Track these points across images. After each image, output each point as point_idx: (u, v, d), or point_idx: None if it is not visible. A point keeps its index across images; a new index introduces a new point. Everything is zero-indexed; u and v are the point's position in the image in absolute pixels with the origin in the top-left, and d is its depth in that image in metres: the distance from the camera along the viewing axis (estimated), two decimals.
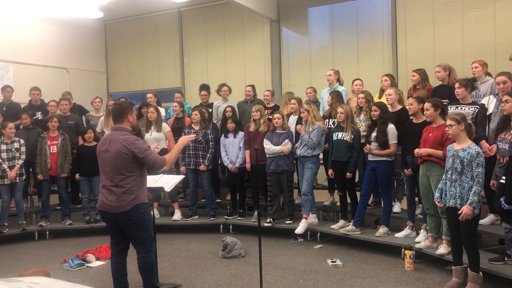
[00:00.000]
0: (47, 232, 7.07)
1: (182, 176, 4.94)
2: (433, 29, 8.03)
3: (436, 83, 6.35)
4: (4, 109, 7.68)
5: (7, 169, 6.71)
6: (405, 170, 5.47)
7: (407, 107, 5.61)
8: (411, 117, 5.54)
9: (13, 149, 6.81)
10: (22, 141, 6.94)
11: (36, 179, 7.28)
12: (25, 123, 7.31)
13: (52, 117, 7.23)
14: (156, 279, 4.39)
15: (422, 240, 5.33)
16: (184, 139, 4.41)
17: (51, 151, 7.10)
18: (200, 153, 7.05)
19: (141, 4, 9.99)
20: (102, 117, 7.68)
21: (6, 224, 6.85)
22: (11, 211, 7.06)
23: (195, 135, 4.50)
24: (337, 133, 6.14)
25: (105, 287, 4.76)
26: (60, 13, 9.69)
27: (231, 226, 7.06)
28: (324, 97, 7.12)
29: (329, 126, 6.57)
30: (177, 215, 7.25)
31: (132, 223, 3.95)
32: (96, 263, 5.68)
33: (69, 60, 10.36)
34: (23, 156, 6.89)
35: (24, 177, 7.00)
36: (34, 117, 7.75)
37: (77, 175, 7.16)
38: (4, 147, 6.77)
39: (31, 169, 7.36)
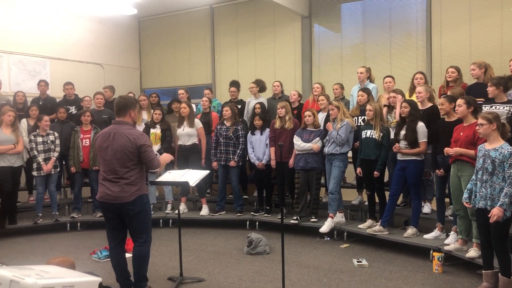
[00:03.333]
0: (79, 224, 7.27)
1: (207, 172, 4.96)
2: (470, 25, 7.76)
3: (470, 81, 6.14)
4: (40, 103, 7.93)
5: (42, 162, 6.94)
6: (437, 171, 5.32)
7: (438, 107, 5.45)
8: (442, 116, 5.37)
9: (48, 141, 7.03)
10: (56, 134, 7.15)
11: (69, 171, 7.47)
12: (61, 117, 7.52)
13: (85, 111, 7.42)
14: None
15: (452, 242, 5.17)
16: (168, 158, 4.51)
17: (84, 144, 7.28)
18: (230, 149, 7.09)
19: (174, 1, 10.11)
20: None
21: (40, 214, 7.09)
22: (45, 202, 7.29)
23: (172, 157, 4.65)
24: (365, 131, 6.04)
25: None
26: (96, 10, 9.91)
27: (257, 223, 7.05)
28: (354, 94, 7.01)
29: (359, 124, 6.46)
30: (205, 210, 7.31)
31: (135, 213, 4.02)
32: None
33: (104, 56, 10.59)
34: (58, 149, 7.10)
35: (58, 169, 7.22)
36: (68, 111, 7.96)
37: None
38: (40, 139, 6.99)
39: (64, 162, 7.57)
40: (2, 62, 8.67)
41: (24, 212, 7.56)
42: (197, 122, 7.34)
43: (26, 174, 7.55)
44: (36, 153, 6.94)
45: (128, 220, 4.07)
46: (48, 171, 6.96)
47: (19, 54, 8.93)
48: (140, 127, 7.26)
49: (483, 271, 4.34)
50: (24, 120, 7.37)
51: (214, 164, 7.25)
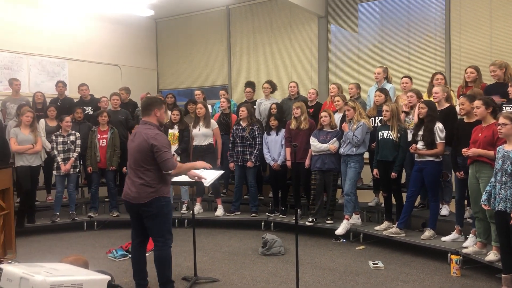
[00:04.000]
0: (95, 223, 7.34)
1: (221, 172, 4.95)
2: (490, 24, 7.61)
3: (490, 81, 6.01)
4: (58, 103, 8.04)
5: (61, 162, 7.03)
6: (457, 173, 5.21)
7: (458, 107, 5.34)
8: (460, 116, 5.27)
9: (68, 142, 7.12)
10: (78, 134, 7.23)
11: (86, 171, 7.56)
12: (78, 118, 7.60)
13: (102, 111, 7.49)
14: (171, 273, 4.33)
15: (471, 245, 5.06)
16: (201, 165, 4.46)
17: (101, 144, 7.35)
18: (247, 149, 7.08)
19: (190, 2, 10.14)
20: None
21: (58, 213, 7.18)
22: (63, 202, 7.38)
23: (210, 165, 4.53)
24: (382, 131, 5.96)
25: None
26: (113, 11, 10.01)
27: (272, 224, 7.03)
28: (371, 95, 6.94)
29: (375, 124, 6.39)
30: (220, 211, 7.31)
31: (151, 215, 4.01)
32: None
33: (121, 57, 10.69)
34: (78, 149, 7.18)
35: (78, 169, 7.31)
36: (85, 112, 8.05)
37: (124, 168, 7.39)
38: (60, 139, 7.09)
39: (81, 162, 7.67)
40: (22, 64, 8.82)
41: (42, 211, 7.68)
42: (213, 122, 7.37)
43: (44, 173, 7.66)
44: (56, 152, 7.04)
45: (146, 221, 4.08)
46: (66, 171, 7.05)
47: (38, 55, 9.07)
48: None
49: (502, 275, 4.26)
50: (42, 121, 7.49)
51: (231, 165, 7.24)
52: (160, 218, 4.05)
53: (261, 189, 7.95)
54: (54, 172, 7.15)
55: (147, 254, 4.32)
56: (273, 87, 7.92)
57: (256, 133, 7.07)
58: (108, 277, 2.14)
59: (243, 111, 7.11)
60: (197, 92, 8.33)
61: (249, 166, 7.06)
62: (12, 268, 2.14)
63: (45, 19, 9.16)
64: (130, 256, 5.69)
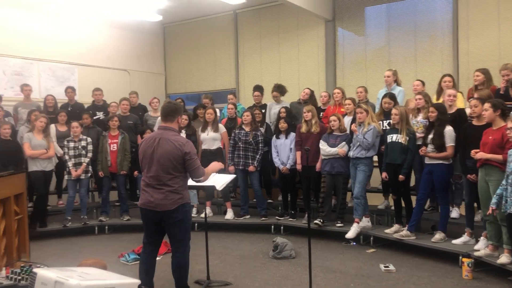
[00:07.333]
0: (106, 227, 7.40)
1: (233, 176, 5.00)
2: (498, 26, 7.62)
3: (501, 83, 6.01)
4: (69, 109, 8.12)
5: (71, 167, 7.10)
6: (468, 176, 5.21)
7: (470, 109, 5.34)
8: (469, 119, 5.28)
9: (79, 147, 7.18)
10: (89, 140, 7.29)
11: (96, 176, 7.62)
12: (85, 123, 7.66)
13: (113, 116, 7.56)
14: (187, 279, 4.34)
15: (482, 248, 5.07)
16: (218, 166, 4.40)
17: (112, 149, 7.42)
18: (249, 154, 7.11)
19: (198, 7, 10.21)
20: (159, 117, 7.91)
21: (69, 218, 7.23)
22: (74, 206, 7.44)
23: (222, 164, 4.49)
24: (391, 135, 5.98)
25: (158, 281, 4.88)
26: (122, 17, 10.12)
27: (282, 227, 7.05)
28: (381, 98, 6.94)
29: (384, 128, 6.41)
30: (230, 214, 7.35)
31: (176, 222, 3.98)
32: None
33: (130, 62, 10.79)
34: (90, 155, 7.24)
35: (89, 174, 7.37)
36: (96, 117, 8.12)
37: (135, 172, 7.46)
38: (72, 144, 7.16)
39: (90, 167, 7.73)
40: (32, 69, 8.92)
41: (54, 216, 7.75)
42: (221, 126, 7.43)
43: (56, 178, 7.73)
44: (67, 158, 7.12)
45: (168, 228, 4.05)
46: (76, 176, 7.12)
47: (48, 61, 9.17)
48: None
49: None
50: (52, 126, 7.54)
51: (231, 168, 7.21)
52: (184, 225, 4.05)
53: (271, 192, 7.97)
54: (66, 177, 7.23)
55: (159, 258, 4.33)
56: (281, 92, 7.94)
57: (259, 138, 7.11)
58: (138, 281, 2.19)
59: (248, 116, 7.14)
60: (205, 100, 8.37)
61: (251, 171, 7.09)
62: (46, 272, 2.20)
63: (55, 26, 9.27)
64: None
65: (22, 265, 2.64)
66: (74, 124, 7.20)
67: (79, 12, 9.60)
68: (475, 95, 5.56)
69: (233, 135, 7.28)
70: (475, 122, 5.19)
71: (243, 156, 7.13)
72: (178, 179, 3.95)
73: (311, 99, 7.56)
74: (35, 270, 2.41)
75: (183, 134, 7.38)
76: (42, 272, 2.19)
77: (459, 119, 5.60)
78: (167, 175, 3.91)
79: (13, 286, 2.39)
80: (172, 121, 4.05)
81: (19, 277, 2.50)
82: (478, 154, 4.75)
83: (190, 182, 4.95)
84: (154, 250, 4.24)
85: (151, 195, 3.96)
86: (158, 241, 4.22)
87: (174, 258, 4.15)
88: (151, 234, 4.16)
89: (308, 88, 7.77)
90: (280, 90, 7.95)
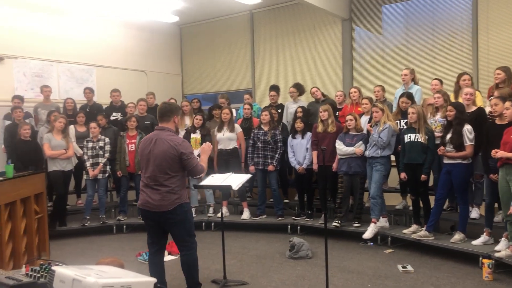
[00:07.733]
0: (124, 226, 7.48)
1: (249, 175, 5.00)
2: None
3: None
4: (87, 109, 8.23)
5: (89, 167, 7.20)
6: (491, 176, 5.11)
7: (491, 108, 5.25)
8: (490, 119, 5.19)
9: (97, 147, 7.28)
10: (107, 140, 7.38)
11: (114, 175, 7.70)
12: (101, 124, 7.72)
13: (130, 117, 7.64)
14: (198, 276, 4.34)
15: (503, 249, 4.97)
16: (207, 150, 4.37)
17: (130, 149, 7.49)
18: (268, 153, 7.11)
19: (214, 7, 10.24)
20: None
21: (88, 217, 7.33)
22: (93, 206, 7.54)
23: (210, 145, 4.45)
24: (409, 134, 5.90)
25: (175, 281, 4.92)
26: (139, 18, 10.20)
27: (298, 227, 7.03)
28: (398, 97, 6.88)
29: (401, 127, 6.34)
30: (246, 214, 7.36)
31: (175, 222, 3.99)
32: (168, 258, 5.87)
33: (147, 63, 10.87)
34: (107, 155, 7.34)
35: (107, 174, 7.46)
36: (113, 118, 8.20)
37: None
38: (90, 144, 7.28)
39: (109, 166, 7.81)
40: (51, 71, 9.05)
41: (73, 215, 7.86)
42: (237, 126, 7.45)
43: (74, 178, 7.85)
44: (85, 158, 7.25)
45: (168, 228, 4.08)
46: (93, 176, 7.22)
47: (67, 62, 9.29)
48: (181, 133, 7.41)
49: None
50: (72, 127, 7.66)
51: (251, 168, 7.25)
52: (184, 225, 4.05)
53: (287, 192, 7.96)
54: (85, 177, 7.34)
55: (176, 257, 4.34)
56: (300, 90, 7.93)
57: (278, 137, 7.11)
58: (154, 279, 2.20)
59: (266, 116, 7.15)
60: (221, 100, 8.40)
61: (270, 170, 7.09)
62: (64, 270, 2.23)
63: (74, 28, 9.38)
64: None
65: (41, 263, 2.67)
66: (92, 124, 7.31)
67: (96, 14, 9.71)
68: (496, 94, 5.46)
69: (252, 135, 7.29)
70: (498, 121, 5.09)
71: (262, 156, 7.14)
72: (175, 179, 3.95)
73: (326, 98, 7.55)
74: (53, 268, 2.44)
75: (197, 134, 7.43)
76: (61, 270, 2.22)
77: (479, 118, 5.51)
78: (164, 175, 3.93)
79: (32, 284, 2.42)
80: (168, 121, 4.08)
81: (38, 275, 2.53)
82: (499, 153, 4.67)
83: (207, 181, 5.00)
84: (159, 250, 4.24)
85: (149, 196, 3.98)
86: (161, 241, 4.22)
87: (181, 256, 4.19)
88: (153, 234, 4.18)
89: (315, 87, 7.75)
90: (298, 87, 7.95)
